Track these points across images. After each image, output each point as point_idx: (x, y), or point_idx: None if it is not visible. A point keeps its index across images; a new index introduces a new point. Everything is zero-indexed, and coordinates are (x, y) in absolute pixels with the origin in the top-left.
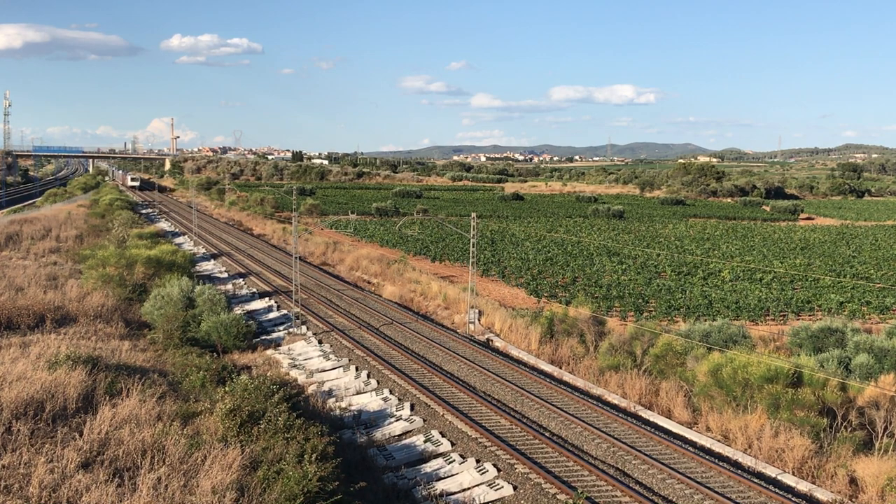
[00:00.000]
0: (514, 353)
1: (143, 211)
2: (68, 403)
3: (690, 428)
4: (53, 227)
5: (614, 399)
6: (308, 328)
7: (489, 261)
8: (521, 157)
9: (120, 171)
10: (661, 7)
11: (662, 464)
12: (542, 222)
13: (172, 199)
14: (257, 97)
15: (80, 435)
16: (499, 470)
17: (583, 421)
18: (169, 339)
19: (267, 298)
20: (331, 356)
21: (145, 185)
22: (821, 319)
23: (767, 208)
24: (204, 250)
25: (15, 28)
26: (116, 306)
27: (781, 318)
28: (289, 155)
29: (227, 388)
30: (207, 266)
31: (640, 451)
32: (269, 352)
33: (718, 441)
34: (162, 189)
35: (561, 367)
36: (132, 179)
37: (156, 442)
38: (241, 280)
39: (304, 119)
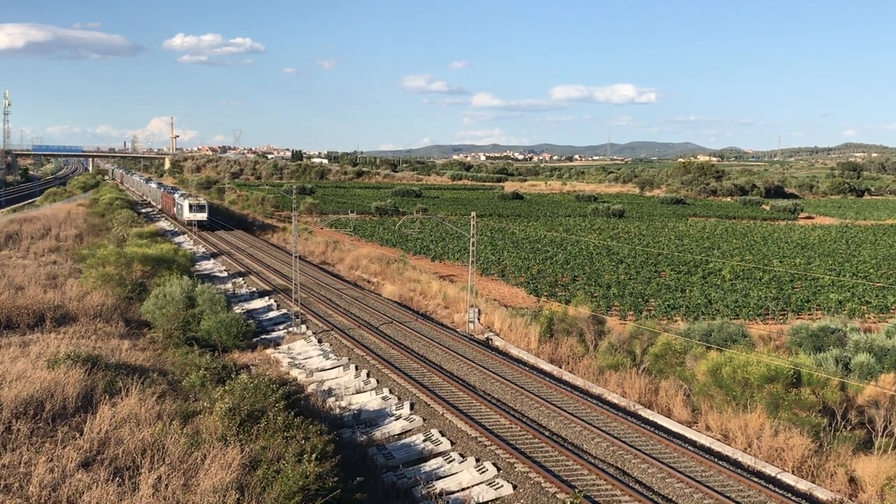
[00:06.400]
0: (514, 352)
1: (144, 210)
2: (68, 402)
3: (690, 427)
4: (53, 227)
5: (614, 398)
6: (308, 327)
7: (489, 260)
8: (520, 157)
9: (155, 187)
10: (663, 7)
11: (662, 463)
12: (541, 221)
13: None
14: (258, 96)
15: (80, 434)
16: (498, 469)
17: (582, 420)
18: (169, 338)
19: (267, 297)
20: (330, 355)
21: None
22: (820, 319)
23: (767, 207)
24: (204, 249)
25: (19, 28)
26: (116, 305)
27: (781, 317)
28: (288, 154)
29: (226, 388)
30: (207, 265)
31: (639, 450)
32: (269, 351)
33: (718, 440)
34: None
35: (560, 367)
36: (194, 208)
37: (156, 441)
38: (240, 279)
39: (304, 118)
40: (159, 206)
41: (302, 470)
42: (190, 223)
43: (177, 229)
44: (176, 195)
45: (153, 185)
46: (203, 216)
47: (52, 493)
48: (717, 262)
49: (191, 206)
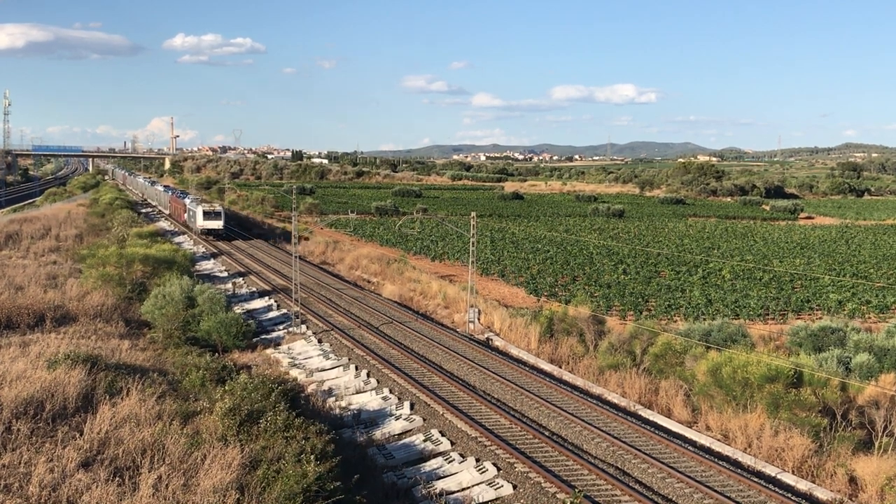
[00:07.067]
0: (514, 352)
1: (144, 210)
2: (68, 403)
3: (690, 427)
4: (53, 227)
5: (614, 398)
6: (308, 327)
7: (489, 260)
8: (520, 157)
9: (162, 190)
10: (663, 6)
11: (662, 463)
12: (541, 221)
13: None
14: (258, 96)
15: (80, 434)
16: (498, 469)
17: (582, 420)
18: (169, 338)
19: (267, 297)
20: (330, 355)
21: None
22: (820, 319)
23: (767, 207)
24: (204, 249)
25: (19, 28)
26: (116, 305)
27: (781, 317)
28: (288, 154)
29: (226, 388)
30: (207, 265)
31: (639, 450)
32: (269, 351)
33: (718, 440)
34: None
35: (560, 367)
36: (208, 214)
37: (156, 441)
38: (240, 279)
39: (304, 118)
40: (167, 212)
41: (302, 470)
42: (204, 232)
43: (177, 229)
44: (187, 200)
45: (159, 188)
46: (219, 224)
47: (52, 493)
48: (717, 262)
49: (205, 213)
